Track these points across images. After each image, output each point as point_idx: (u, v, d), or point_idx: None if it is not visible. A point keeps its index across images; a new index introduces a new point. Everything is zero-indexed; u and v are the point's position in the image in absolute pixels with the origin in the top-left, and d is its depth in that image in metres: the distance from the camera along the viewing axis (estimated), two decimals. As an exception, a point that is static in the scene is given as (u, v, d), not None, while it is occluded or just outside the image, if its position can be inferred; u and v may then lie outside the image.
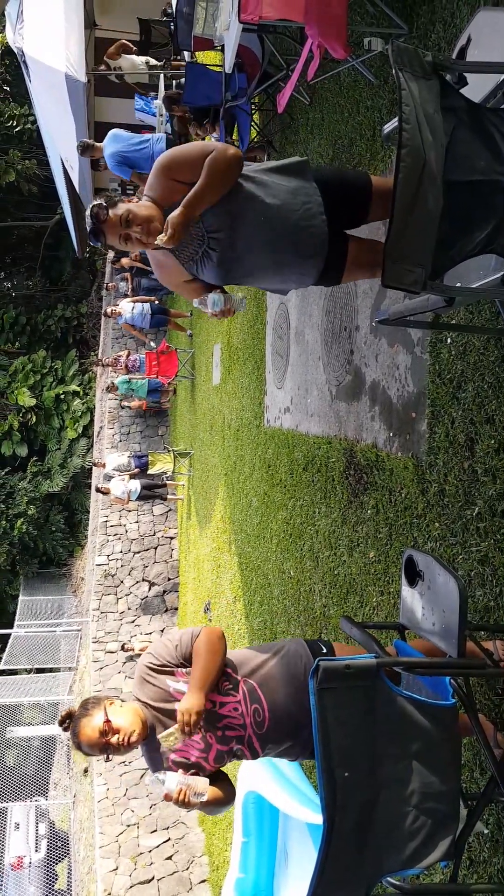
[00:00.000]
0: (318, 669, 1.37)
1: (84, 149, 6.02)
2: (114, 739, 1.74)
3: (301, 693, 1.81)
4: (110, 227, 1.93)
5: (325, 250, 1.96)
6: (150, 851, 6.96)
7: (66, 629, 12.94)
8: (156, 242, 1.89)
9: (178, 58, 7.89)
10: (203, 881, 6.41)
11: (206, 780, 1.76)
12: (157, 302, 9.54)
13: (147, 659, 1.86)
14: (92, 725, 1.75)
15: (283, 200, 1.91)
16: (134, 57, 7.98)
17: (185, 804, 1.70)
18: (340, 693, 1.39)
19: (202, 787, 1.72)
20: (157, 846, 6.98)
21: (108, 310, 10.00)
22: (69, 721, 1.80)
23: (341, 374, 3.62)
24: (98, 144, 5.71)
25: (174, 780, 1.71)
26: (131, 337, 12.22)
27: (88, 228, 1.97)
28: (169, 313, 9.75)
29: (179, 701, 1.78)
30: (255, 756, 1.84)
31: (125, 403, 11.50)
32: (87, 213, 1.95)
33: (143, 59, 8.11)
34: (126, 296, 10.60)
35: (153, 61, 8.03)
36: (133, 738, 1.76)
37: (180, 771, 1.77)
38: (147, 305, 9.31)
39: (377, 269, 2.04)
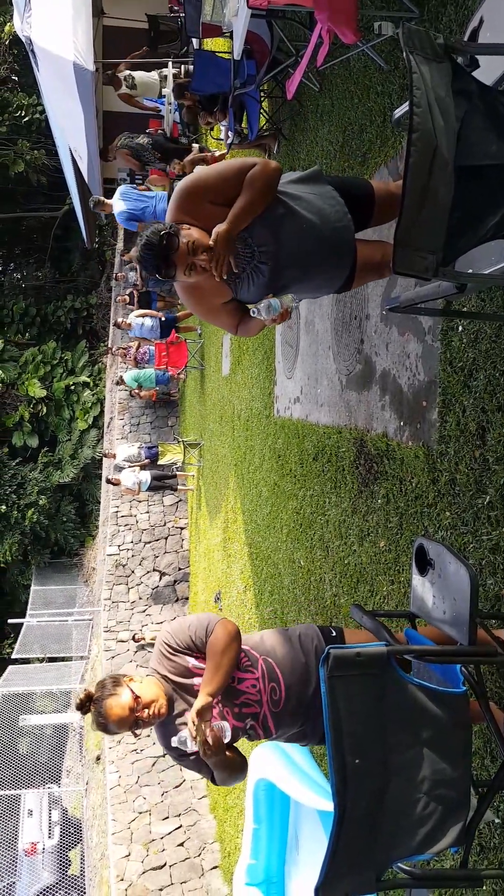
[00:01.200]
0: (329, 657, 1.37)
1: (95, 204, 6.81)
2: (145, 713, 1.76)
3: (312, 678, 1.82)
4: (181, 258, 1.82)
5: (353, 250, 1.99)
6: (162, 838, 7.04)
7: (78, 619, 13.06)
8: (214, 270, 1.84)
9: (187, 49, 7.87)
10: (215, 867, 6.49)
11: (225, 723, 1.78)
12: (163, 317, 9.42)
13: (165, 637, 1.88)
14: (121, 704, 1.76)
15: (319, 208, 1.93)
16: (143, 73, 8.02)
17: (214, 746, 1.69)
18: (351, 681, 1.39)
19: (223, 725, 1.75)
20: (169, 833, 7.06)
21: (118, 320, 10.01)
22: (89, 703, 1.81)
23: (351, 364, 3.61)
24: (108, 201, 6.60)
25: (191, 732, 1.73)
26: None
27: (152, 257, 1.82)
28: (178, 319, 9.68)
29: (198, 676, 1.82)
30: (267, 735, 1.86)
31: (136, 392, 11.53)
32: (148, 239, 1.80)
33: (153, 73, 8.13)
34: (135, 287, 10.56)
35: (165, 71, 8.02)
36: (163, 710, 1.79)
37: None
38: (156, 320, 9.29)
39: (385, 269, 2.07)
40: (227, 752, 1.79)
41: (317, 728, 1.85)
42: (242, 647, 1.86)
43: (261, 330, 2.07)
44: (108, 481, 9.85)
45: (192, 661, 1.85)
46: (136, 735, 1.83)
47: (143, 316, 9.25)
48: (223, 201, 1.85)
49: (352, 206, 1.98)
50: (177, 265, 1.83)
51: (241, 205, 1.82)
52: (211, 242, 1.82)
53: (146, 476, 9.33)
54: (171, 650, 1.86)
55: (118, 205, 6.33)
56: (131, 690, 1.77)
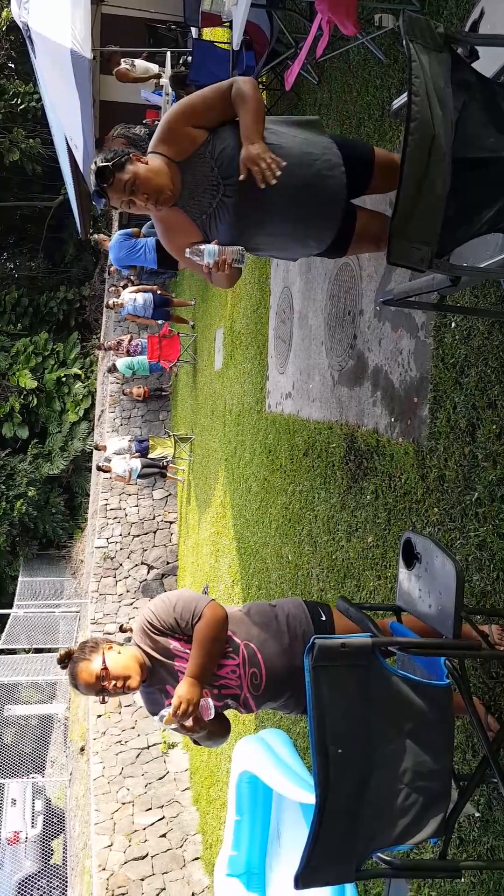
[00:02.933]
0: (314, 647, 1.37)
1: (96, 242, 8.43)
2: (111, 685, 1.77)
3: (297, 658, 1.83)
4: (114, 191, 1.84)
5: (344, 204, 1.87)
6: (144, 829, 7.05)
7: (65, 610, 13.02)
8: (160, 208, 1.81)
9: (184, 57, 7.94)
10: (196, 858, 6.51)
11: (211, 702, 1.78)
12: (159, 292, 9.42)
13: (148, 615, 1.87)
14: (89, 670, 1.78)
15: (301, 149, 1.84)
16: (145, 62, 8.04)
17: (193, 727, 1.72)
18: (336, 671, 1.39)
19: (210, 703, 1.75)
20: (152, 824, 7.07)
21: (111, 301, 9.91)
22: (68, 660, 1.84)
23: (344, 359, 3.61)
24: (106, 238, 8.04)
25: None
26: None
27: (91, 188, 1.89)
28: (172, 303, 9.66)
29: (180, 658, 1.82)
30: (249, 712, 1.88)
31: (127, 390, 11.47)
32: (92, 169, 1.85)
33: (154, 66, 8.14)
34: (129, 280, 10.51)
35: (161, 70, 8.03)
36: (130, 684, 1.80)
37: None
38: (149, 296, 9.22)
39: (383, 242, 1.96)
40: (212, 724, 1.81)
41: (300, 700, 1.85)
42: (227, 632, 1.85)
43: (228, 283, 1.93)
44: (99, 468, 9.82)
45: (173, 644, 1.84)
46: (102, 702, 1.85)
47: (136, 292, 9.19)
48: (205, 124, 1.83)
49: (349, 165, 1.88)
50: (110, 197, 1.86)
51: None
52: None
53: (137, 463, 9.30)
54: (153, 630, 1.85)
55: (112, 253, 7.73)
56: (103, 660, 1.78)
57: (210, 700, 1.78)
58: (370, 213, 2.00)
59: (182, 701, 1.71)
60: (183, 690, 1.73)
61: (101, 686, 1.78)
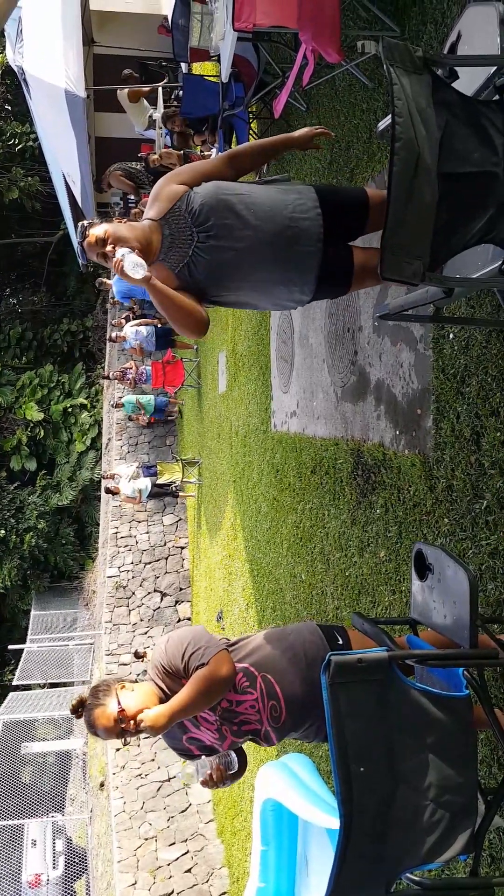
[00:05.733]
0: (330, 664, 1.36)
1: (100, 284, 9.83)
2: (130, 726, 1.73)
3: (316, 686, 1.80)
4: (88, 246, 1.96)
5: (322, 244, 1.89)
6: (168, 865, 6.90)
7: (79, 643, 12.92)
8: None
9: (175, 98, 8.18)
10: (224, 893, 6.35)
11: (234, 755, 1.79)
12: (159, 325, 9.54)
13: (160, 657, 1.85)
14: (106, 715, 1.75)
15: (271, 196, 1.89)
16: (146, 103, 8.27)
17: (220, 782, 1.73)
18: (353, 687, 1.38)
19: (232, 760, 1.77)
20: (176, 859, 6.92)
21: (113, 335, 10.08)
22: (81, 709, 1.81)
23: (346, 376, 3.63)
24: (108, 280, 9.34)
25: (211, 763, 1.75)
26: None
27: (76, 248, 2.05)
28: (174, 332, 9.79)
29: None
30: (270, 744, 1.85)
31: (133, 416, 11.57)
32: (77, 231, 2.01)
33: (152, 108, 8.37)
34: (131, 311, 10.66)
35: (153, 112, 8.25)
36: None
37: (207, 759, 1.80)
38: (151, 328, 9.34)
39: None
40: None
41: (321, 728, 1.82)
42: (239, 665, 1.82)
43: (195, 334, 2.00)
44: (108, 491, 9.84)
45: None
46: (125, 744, 1.82)
47: (138, 325, 9.31)
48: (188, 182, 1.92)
49: (339, 211, 1.93)
50: (86, 251, 2.00)
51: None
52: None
53: (146, 483, 9.32)
54: (164, 672, 1.83)
55: (115, 286, 8.73)
56: (118, 702, 1.75)
57: (233, 756, 1.76)
58: (367, 249, 2.02)
59: (146, 719, 1.67)
60: (154, 715, 1.68)
61: (121, 728, 1.74)
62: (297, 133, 1.99)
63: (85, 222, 1.98)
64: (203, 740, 1.84)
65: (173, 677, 1.81)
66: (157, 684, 1.84)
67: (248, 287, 1.95)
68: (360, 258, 1.96)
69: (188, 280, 1.93)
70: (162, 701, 1.80)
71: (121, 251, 1.84)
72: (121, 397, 10.40)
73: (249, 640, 1.91)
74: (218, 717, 1.79)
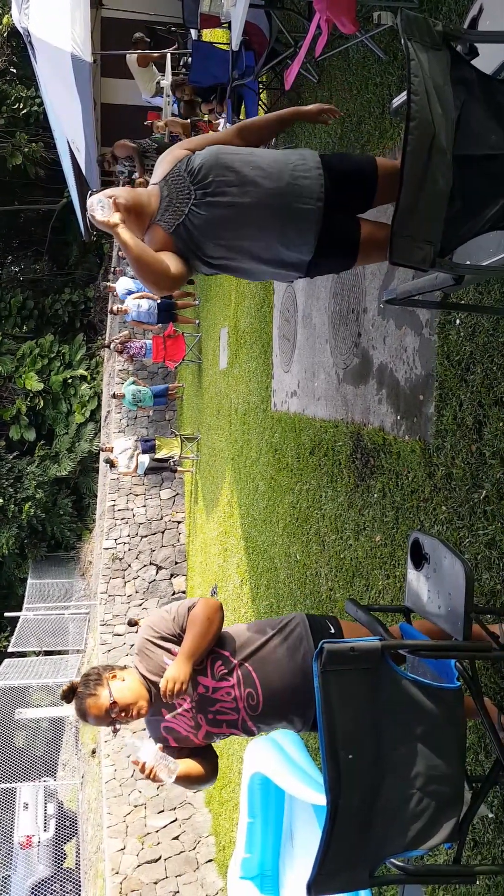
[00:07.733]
0: (322, 652, 1.36)
1: (106, 289, 10.02)
2: (122, 715, 1.78)
3: (304, 673, 1.81)
4: (93, 711, 1.82)
5: (321, 208, 1.82)
6: (157, 831, 7.05)
7: (75, 612, 13.05)
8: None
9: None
10: (210, 861, 6.50)
11: (179, 765, 1.76)
12: (159, 299, 9.43)
13: (146, 632, 1.88)
14: (98, 705, 1.78)
15: (274, 156, 1.85)
16: (155, 69, 8.05)
17: (152, 778, 1.73)
18: (345, 676, 1.38)
19: (172, 768, 1.73)
20: (165, 826, 7.07)
21: (115, 308, 9.96)
22: (72, 696, 1.83)
23: (349, 357, 3.59)
24: (113, 285, 9.81)
25: (149, 754, 1.72)
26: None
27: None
28: (176, 305, 9.66)
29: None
30: (250, 735, 1.86)
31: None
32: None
33: (160, 75, 8.15)
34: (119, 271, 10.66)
35: (166, 80, 8.02)
36: (140, 711, 1.80)
37: (159, 746, 1.80)
38: (153, 302, 9.23)
39: None
40: (188, 767, 1.80)
41: (307, 716, 1.84)
42: (220, 651, 1.84)
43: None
44: (108, 461, 9.91)
45: (167, 660, 1.83)
46: (114, 731, 1.85)
47: (139, 298, 9.20)
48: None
49: (347, 182, 1.87)
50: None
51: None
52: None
53: (145, 458, 9.38)
54: (151, 646, 1.85)
55: (119, 289, 9.33)
56: (110, 692, 1.78)
57: (177, 765, 1.74)
58: (376, 222, 1.97)
59: (168, 681, 1.71)
60: (171, 670, 1.72)
61: (112, 718, 1.77)
62: (306, 107, 1.98)
63: (93, 192, 1.95)
64: (178, 730, 1.85)
65: (162, 646, 1.84)
66: (138, 671, 1.86)
67: (245, 245, 1.87)
68: (368, 230, 1.91)
69: (184, 238, 1.87)
70: (148, 690, 1.83)
71: (94, 197, 1.79)
72: (119, 384, 10.39)
73: (230, 630, 1.93)
74: (194, 703, 1.80)
